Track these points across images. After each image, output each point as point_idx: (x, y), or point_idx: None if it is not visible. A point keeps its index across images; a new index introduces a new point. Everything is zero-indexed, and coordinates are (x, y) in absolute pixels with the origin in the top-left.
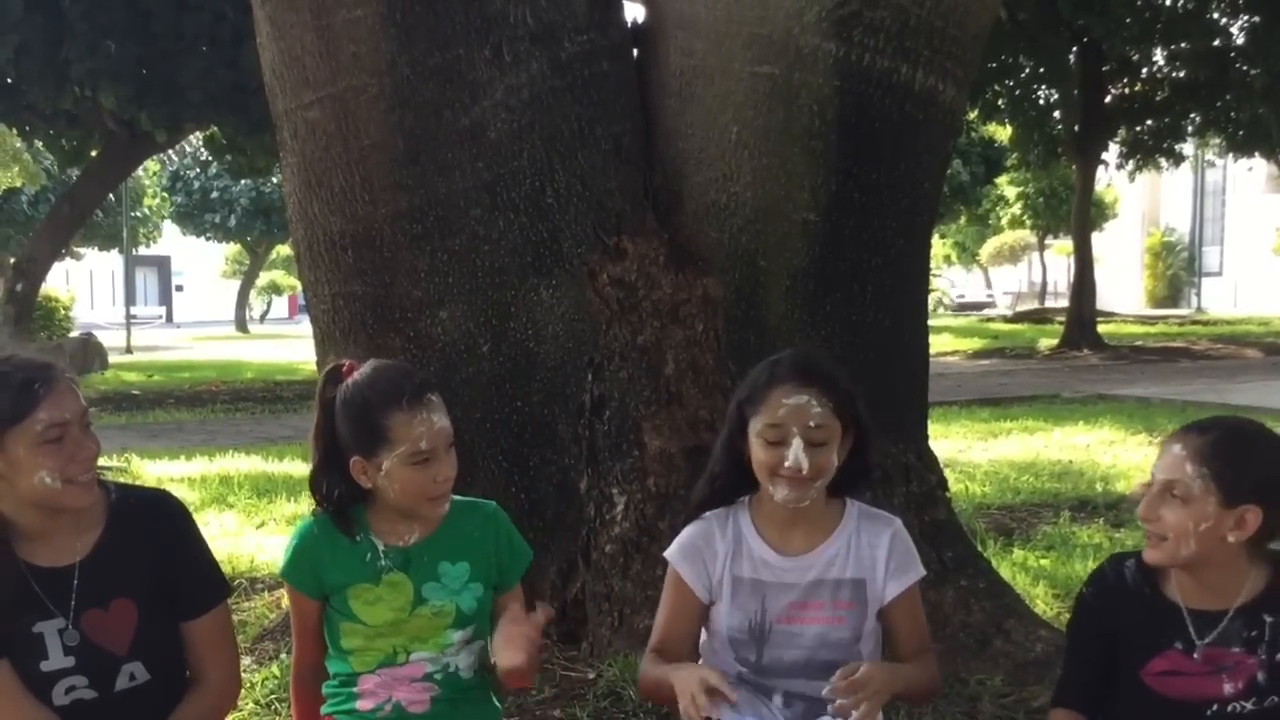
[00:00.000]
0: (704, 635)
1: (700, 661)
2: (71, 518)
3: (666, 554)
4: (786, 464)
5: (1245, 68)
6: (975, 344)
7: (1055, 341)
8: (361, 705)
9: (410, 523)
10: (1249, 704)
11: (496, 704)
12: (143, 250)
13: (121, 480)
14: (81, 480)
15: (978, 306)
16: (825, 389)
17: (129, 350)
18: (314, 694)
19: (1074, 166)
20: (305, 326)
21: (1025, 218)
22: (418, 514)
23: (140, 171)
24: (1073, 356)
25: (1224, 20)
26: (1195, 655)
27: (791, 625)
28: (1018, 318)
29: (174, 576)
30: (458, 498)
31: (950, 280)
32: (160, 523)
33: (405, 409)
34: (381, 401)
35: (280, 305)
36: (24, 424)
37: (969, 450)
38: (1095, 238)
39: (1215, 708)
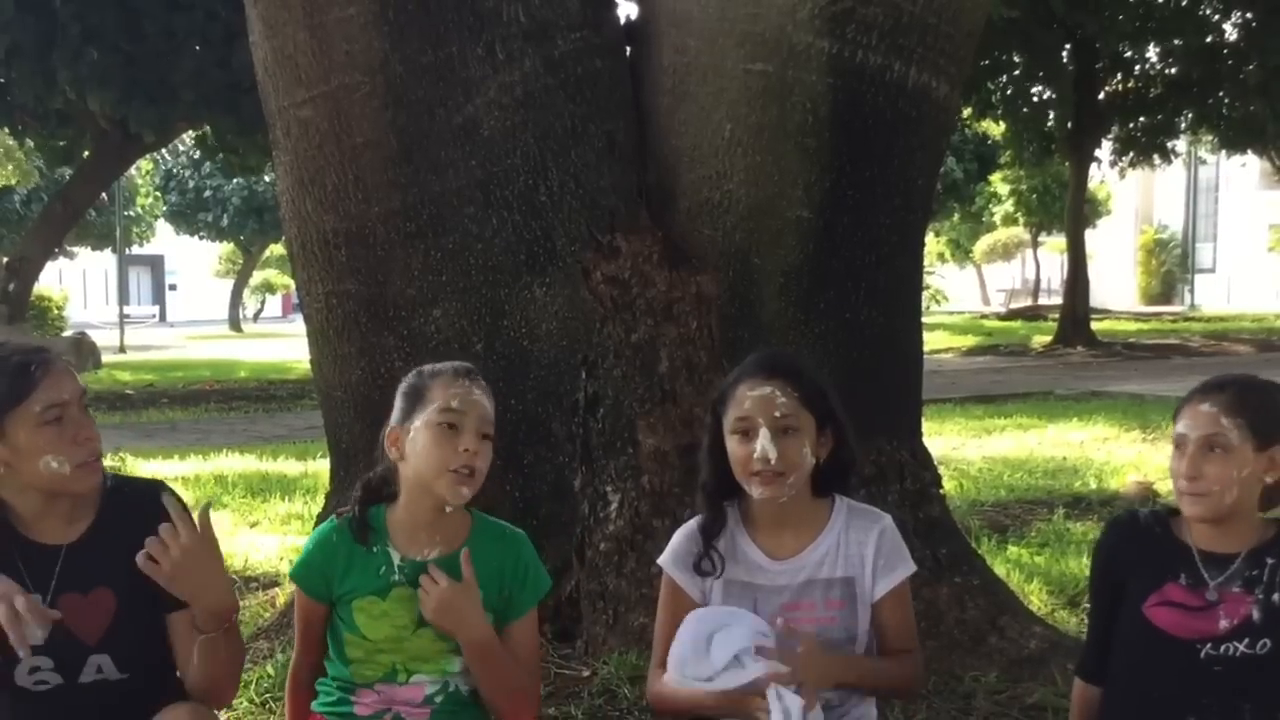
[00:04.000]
0: None
1: None
2: (68, 503)
3: (660, 561)
4: (755, 455)
5: (1237, 64)
6: (969, 341)
7: (1049, 338)
8: (360, 710)
9: (432, 533)
10: (1241, 645)
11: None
12: (136, 249)
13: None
14: (87, 462)
15: None
16: (790, 381)
17: (122, 350)
18: (310, 695)
19: (1067, 163)
20: (299, 325)
21: (1018, 215)
22: (435, 493)
23: (133, 170)
24: (1066, 353)
25: (1216, 17)
26: (1208, 593)
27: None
28: (1011, 315)
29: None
30: (488, 517)
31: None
32: (153, 515)
33: (450, 375)
34: (433, 372)
35: (274, 304)
36: (22, 406)
37: (963, 447)
38: (1088, 234)
39: (1209, 647)
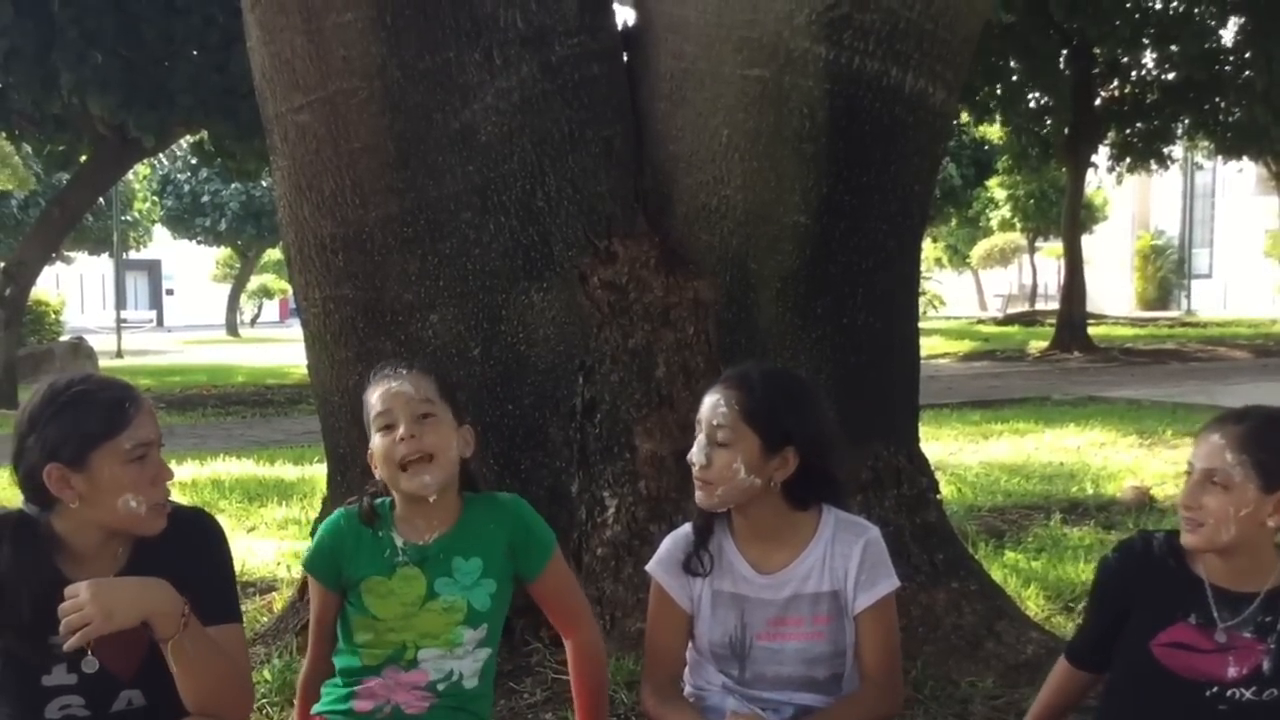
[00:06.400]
0: (689, 648)
1: (686, 671)
2: (122, 542)
3: (648, 567)
4: (688, 457)
5: (1236, 70)
6: (966, 346)
7: (1045, 344)
8: (359, 705)
9: (429, 520)
10: (1249, 693)
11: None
12: (133, 254)
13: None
14: (160, 504)
15: None
16: (738, 394)
17: (119, 354)
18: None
19: (1064, 169)
20: (296, 330)
21: (1015, 220)
22: (399, 488)
23: (130, 175)
24: (1063, 358)
25: (1213, 23)
26: (1217, 634)
27: (772, 642)
28: (1008, 320)
29: (185, 593)
30: (479, 494)
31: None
32: (187, 544)
33: (373, 382)
34: (369, 382)
35: (271, 309)
36: (113, 442)
37: (960, 452)
38: (1085, 240)
39: (1215, 690)
